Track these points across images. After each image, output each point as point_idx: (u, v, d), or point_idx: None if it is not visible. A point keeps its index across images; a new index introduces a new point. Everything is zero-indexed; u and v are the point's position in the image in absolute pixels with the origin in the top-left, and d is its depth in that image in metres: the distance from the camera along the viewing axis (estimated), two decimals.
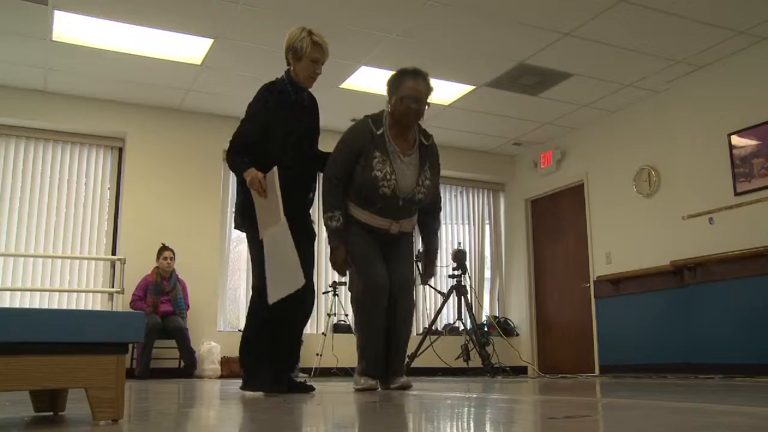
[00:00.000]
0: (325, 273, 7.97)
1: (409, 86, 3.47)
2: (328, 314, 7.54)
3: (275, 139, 3.24)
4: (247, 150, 3.22)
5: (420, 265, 4.04)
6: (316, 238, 3.63)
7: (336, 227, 3.48)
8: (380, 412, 2.13)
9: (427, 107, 3.55)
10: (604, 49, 6.04)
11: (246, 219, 3.30)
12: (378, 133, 3.48)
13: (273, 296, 3.08)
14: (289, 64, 3.36)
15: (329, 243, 3.58)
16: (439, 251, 3.99)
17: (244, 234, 3.46)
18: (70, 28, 5.69)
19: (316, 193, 3.63)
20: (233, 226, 3.50)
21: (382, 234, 3.59)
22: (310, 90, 3.48)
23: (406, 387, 3.57)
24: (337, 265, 3.61)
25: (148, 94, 7.14)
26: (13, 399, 2.75)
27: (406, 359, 4.02)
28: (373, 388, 3.49)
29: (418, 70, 3.57)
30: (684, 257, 6.37)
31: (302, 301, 3.33)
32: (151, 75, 6.63)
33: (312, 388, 3.34)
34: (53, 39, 5.85)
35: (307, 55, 3.26)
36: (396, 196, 3.47)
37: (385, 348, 3.59)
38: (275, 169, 3.08)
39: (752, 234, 5.84)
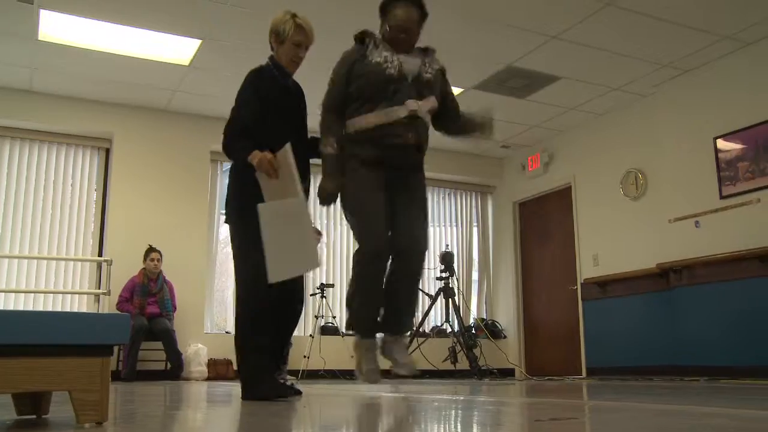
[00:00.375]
0: (312, 275, 7.95)
1: (398, 14, 3.27)
2: (315, 316, 7.52)
3: (269, 125, 3.12)
4: (244, 135, 3.10)
5: (471, 129, 3.59)
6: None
7: (329, 153, 3.23)
8: (367, 415, 2.12)
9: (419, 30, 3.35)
10: (591, 53, 6.07)
11: (233, 210, 3.17)
12: (370, 40, 3.31)
13: (276, 275, 2.88)
14: (272, 48, 3.27)
15: (322, 171, 3.27)
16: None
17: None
18: (56, 27, 5.65)
19: (310, 184, 3.45)
20: (225, 220, 3.31)
21: (397, 153, 3.24)
22: (295, 81, 3.38)
23: (410, 373, 3.24)
24: (325, 198, 3.29)
25: (135, 95, 7.10)
26: None
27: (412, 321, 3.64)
28: (374, 382, 3.27)
29: None
30: (670, 260, 6.40)
31: (296, 302, 3.25)
32: (138, 75, 6.59)
33: (298, 392, 3.29)
34: (39, 38, 5.80)
35: (290, 38, 3.17)
36: (404, 75, 3.21)
37: (387, 304, 3.34)
38: (288, 146, 2.94)
39: (737, 237, 5.88)
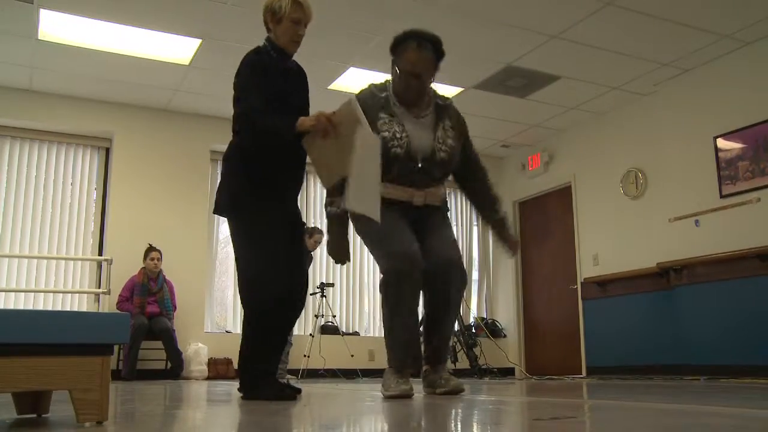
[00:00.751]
0: (312, 274, 7.95)
1: (410, 59, 3.00)
2: (315, 315, 7.52)
3: (273, 108, 2.93)
4: (269, 112, 2.87)
5: (496, 238, 3.35)
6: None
7: (332, 212, 3.05)
8: (366, 414, 2.12)
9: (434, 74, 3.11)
10: (591, 52, 6.07)
11: (237, 202, 2.98)
12: (382, 95, 3.08)
13: (350, 204, 2.75)
14: (268, 30, 3.09)
15: (327, 230, 3.15)
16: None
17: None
18: (56, 27, 5.65)
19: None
20: (213, 210, 3.09)
21: (406, 207, 3.06)
22: (296, 62, 3.22)
23: (457, 391, 2.95)
24: (334, 253, 3.13)
25: (135, 94, 7.10)
26: None
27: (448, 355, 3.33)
28: (406, 395, 2.81)
29: (423, 36, 3.03)
30: (670, 259, 6.40)
31: (298, 300, 3.12)
32: (138, 75, 6.59)
33: (298, 390, 3.17)
34: (39, 38, 5.81)
35: (288, 16, 2.97)
36: (412, 157, 2.98)
37: (426, 337, 3.09)
38: (354, 98, 2.77)
39: (737, 236, 5.88)
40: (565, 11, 5.40)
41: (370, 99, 3.07)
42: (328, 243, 3.16)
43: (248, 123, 2.92)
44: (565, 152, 8.17)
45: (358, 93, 3.16)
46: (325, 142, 2.76)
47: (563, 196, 8.20)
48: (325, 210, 3.11)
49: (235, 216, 3.02)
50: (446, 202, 3.25)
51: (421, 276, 2.96)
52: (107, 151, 7.51)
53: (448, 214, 3.33)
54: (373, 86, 3.15)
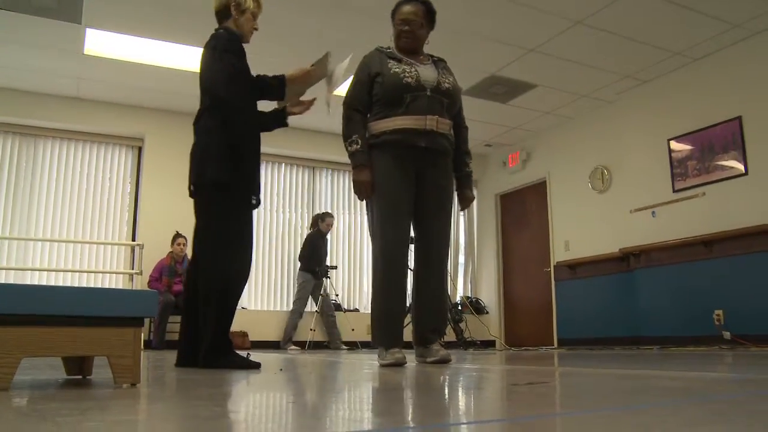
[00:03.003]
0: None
1: (403, 11, 3.13)
2: (320, 294, 7.53)
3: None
4: (251, 81, 2.84)
5: (457, 191, 3.32)
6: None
7: (355, 150, 2.93)
8: (364, 380, 2.13)
9: (426, 28, 3.18)
10: (564, 64, 6.06)
11: (223, 175, 2.71)
12: (387, 50, 3.13)
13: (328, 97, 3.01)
14: (225, 20, 2.91)
15: (352, 166, 2.97)
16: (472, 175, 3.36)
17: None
18: (99, 43, 5.69)
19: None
20: (194, 180, 2.85)
21: (418, 143, 2.95)
22: None
23: (445, 360, 2.89)
24: (361, 190, 2.96)
25: (163, 100, 7.09)
26: (49, 364, 2.76)
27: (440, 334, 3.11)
28: (400, 364, 2.76)
29: None
30: (631, 245, 6.42)
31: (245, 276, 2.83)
32: (166, 83, 6.58)
33: (257, 365, 2.64)
34: (84, 53, 5.83)
35: (251, 9, 2.90)
36: (422, 86, 2.97)
37: (416, 315, 3.03)
38: (329, 52, 2.88)
39: (688, 225, 5.90)
40: (541, 28, 5.39)
41: (377, 55, 3.11)
42: (354, 176, 2.98)
43: (242, 81, 2.78)
44: (541, 151, 8.16)
45: (366, 55, 3.16)
46: (299, 87, 2.98)
47: (539, 190, 8.20)
48: (347, 151, 2.98)
49: (217, 191, 2.74)
50: (452, 130, 3.16)
51: (407, 260, 2.98)
52: (139, 150, 7.50)
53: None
54: (378, 47, 3.19)
